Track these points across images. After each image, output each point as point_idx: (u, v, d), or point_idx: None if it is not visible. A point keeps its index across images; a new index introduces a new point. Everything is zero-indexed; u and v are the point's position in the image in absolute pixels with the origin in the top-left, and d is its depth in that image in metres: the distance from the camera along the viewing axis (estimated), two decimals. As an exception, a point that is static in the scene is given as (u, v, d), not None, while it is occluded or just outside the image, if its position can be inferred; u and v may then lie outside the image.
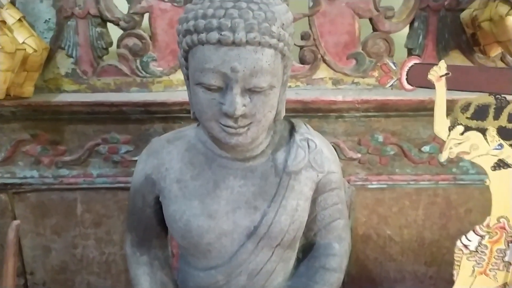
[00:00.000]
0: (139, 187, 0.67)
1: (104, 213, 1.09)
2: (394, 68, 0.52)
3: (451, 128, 0.50)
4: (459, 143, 0.50)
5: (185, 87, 0.99)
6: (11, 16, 0.87)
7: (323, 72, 0.99)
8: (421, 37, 0.97)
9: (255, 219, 0.61)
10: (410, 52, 1.00)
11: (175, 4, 0.94)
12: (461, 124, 0.50)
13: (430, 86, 0.50)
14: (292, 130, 0.66)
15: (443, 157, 0.51)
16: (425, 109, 0.98)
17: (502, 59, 0.97)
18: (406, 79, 0.51)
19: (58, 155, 1.03)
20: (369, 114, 0.99)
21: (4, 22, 0.83)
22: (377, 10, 0.94)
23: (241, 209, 0.61)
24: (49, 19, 0.95)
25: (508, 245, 0.52)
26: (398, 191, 1.09)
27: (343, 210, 0.68)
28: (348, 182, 0.99)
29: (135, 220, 0.70)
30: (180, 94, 0.98)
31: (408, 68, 0.51)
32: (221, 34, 0.52)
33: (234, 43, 0.52)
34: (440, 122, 0.50)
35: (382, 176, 1.07)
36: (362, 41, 0.97)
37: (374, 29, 0.97)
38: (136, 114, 0.98)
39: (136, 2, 0.94)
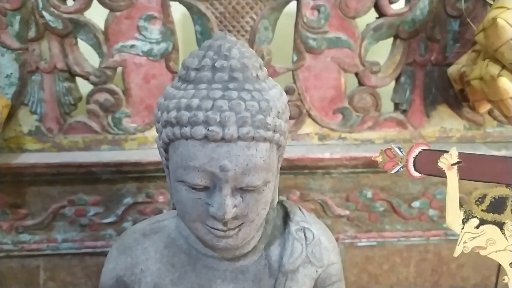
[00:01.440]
0: None
1: (70, 280, 0.99)
2: (400, 153, 0.47)
3: (465, 221, 0.45)
4: (474, 237, 0.45)
5: (161, 145, 0.95)
6: (-33, 72, 0.79)
7: (308, 127, 0.94)
8: (408, 91, 0.94)
9: None
10: (396, 107, 0.97)
11: (151, 58, 0.88)
12: (476, 217, 0.45)
13: (441, 174, 0.45)
14: (285, 217, 0.59)
15: (457, 252, 0.46)
16: (415, 165, 0.94)
17: (490, 113, 0.95)
18: (414, 166, 0.46)
19: (19, 219, 0.93)
20: (357, 170, 0.95)
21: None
22: (363, 65, 0.91)
23: None
24: (11, 73, 0.86)
25: None
26: (389, 248, 1.04)
27: (345, 304, 0.62)
28: (337, 241, 0.94)
29: (103, 326, 0.60)
30: (155, 153, 0.89)
31: (415, 154, 0.46)
32: (208, 130, 0.45)
33: (223, 139, 0.45)
34: (453, 214, 0.45)
35: (371, 233, 1.02)
36: (348, 95, 0.94)
37: (360, 84, 0.93)
38: (107, 174, 0.90)
39: (108, 56, 0.87)
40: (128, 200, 0.94)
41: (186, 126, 0.46)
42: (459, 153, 0.44)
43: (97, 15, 0.88)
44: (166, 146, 0.50)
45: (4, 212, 0.92)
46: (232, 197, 0.47)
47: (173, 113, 0.47)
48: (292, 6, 0.88)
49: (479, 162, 0.44)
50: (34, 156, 0.89)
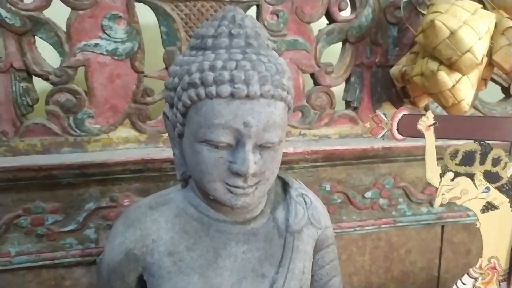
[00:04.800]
0: (117, 266, 0.56)
1: (23, 298, 0.91)
2: (385, 119, 0.53)
3: (442, 175, 0.52)
4: (450, 189, 0.52)
5: (127, 145, 0.93)
6: None
7: (271, 125, 0.99)
8: (357, 90, 1.04)
9: None
10: (348, 105, 1.06)
11: (116, 58, 0.87)
12: (451, 170, 0.52)
13: (420, 135, 0.52)
14: (284, 185, 0.63)
15: (437, 204, 0.53)
16: (367, 157, 1.03)
17: (426, 109, 1.08)
18: (397, 129, 0.53)
19: (-35, 233, 0.85)
20: (317, 164, 1.01)
21: None
22: (318, 66, 0.99)
23: (248, 279, 0.55)
24: (-39, 72, 0.81)
25: (499, 285, 0.55)
26: (346, 239, 1.10)
27: (338, 266, 0.66)
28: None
29: (110, 306, 0.58)
30: (122, 153, 0.89)
31: (398, 119, 0.53)
32: (234, 87, 0.48)
33: (247, 97, 0.49)
34: (432, 169, 0.52)
35: (331, 225, 1.08)
36: (305, 94, 1.01)
37: (316, 83, 1.01)
38: (69, 178, 0.86)
39: (70, 55, 0.85)
40: (90, 205, 0.90)
41: (211, 86, 0.49)
42: (435, 115, 0.52)
43: (57, 14, 0.86)
44: (185, 110, 0.51)
45: None
46: (253, 154, 0.50)
47: (196, 74, 0.49)
48: (254, 10, 0.94)
49: (451, 122, 0.51)
50: (-14, 162, 0.83)
